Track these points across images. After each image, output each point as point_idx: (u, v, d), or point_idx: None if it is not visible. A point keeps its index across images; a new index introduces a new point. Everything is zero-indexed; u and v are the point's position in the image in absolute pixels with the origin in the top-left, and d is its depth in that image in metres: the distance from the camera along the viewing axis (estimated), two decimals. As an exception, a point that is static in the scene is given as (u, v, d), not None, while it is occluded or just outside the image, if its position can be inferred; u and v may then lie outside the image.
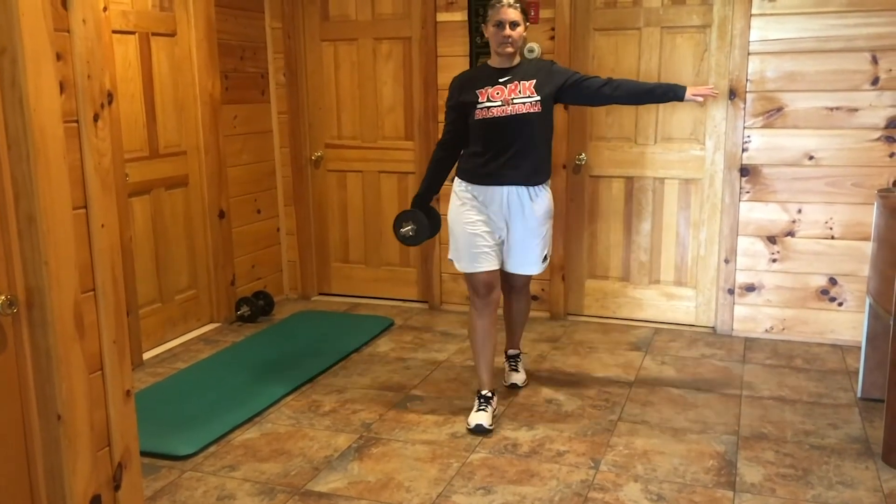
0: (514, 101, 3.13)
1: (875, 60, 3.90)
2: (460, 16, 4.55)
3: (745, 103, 4.13)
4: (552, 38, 4.39)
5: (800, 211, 4.15)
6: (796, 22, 3.99)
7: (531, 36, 4.42)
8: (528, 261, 3.35)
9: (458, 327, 4.55)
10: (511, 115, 3.12)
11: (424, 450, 3.09)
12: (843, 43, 3.93)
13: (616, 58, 4.37)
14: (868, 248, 3.81)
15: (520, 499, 2.72)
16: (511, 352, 3.74)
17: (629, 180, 4.50)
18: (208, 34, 4.37)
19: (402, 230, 3.38)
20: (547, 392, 3.63)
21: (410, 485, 2.82)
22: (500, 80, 3.16)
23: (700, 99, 3.19)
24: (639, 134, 4.44)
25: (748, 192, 4.21)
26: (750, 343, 4.25)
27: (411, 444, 3.14)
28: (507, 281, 3.47)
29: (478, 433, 3.19)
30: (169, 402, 3.52)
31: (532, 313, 4.39)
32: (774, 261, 4.24)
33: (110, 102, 1.96)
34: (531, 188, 3.23)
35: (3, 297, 1.74)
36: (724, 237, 4.30)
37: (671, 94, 3.19)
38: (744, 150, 4.17)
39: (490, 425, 3.21)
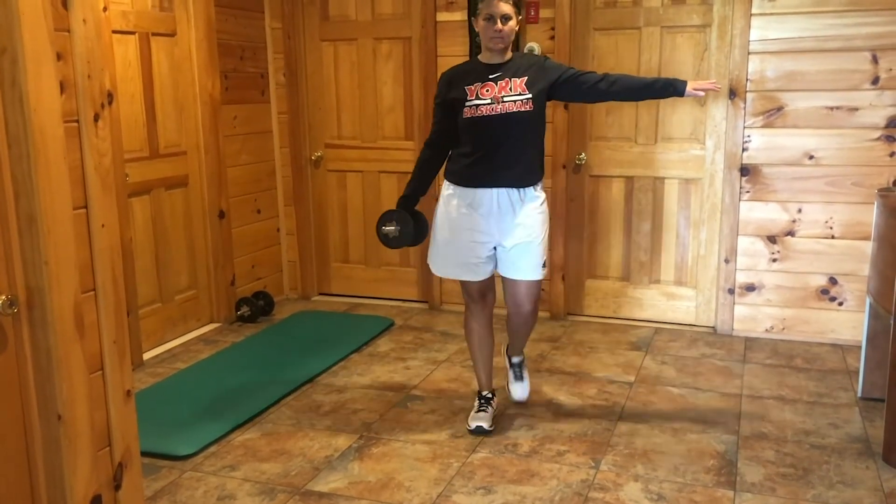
0: (505, 99, 2.95)
1: (875, 60, 3.90)
2: (460, 15, 4.55)
3: (745, 103, 4.13)
4: (552, 37, 4.39)
5: (800, 210, 4.15)
6: (796, 21, 3.99)
7: (531, 36, 4.43)
8: (526, 266, 3.08)
9: (458, 327, 4.54)
10: (501, 113, 2.95)
11: (425, 449, 3.08)
12: (843, 42, 3.93)
13: (616, 57, 4.37)
14: (868, 247, 3.81)
15: (520, 498, 2.72)
16: (515, 359, 3.46)
17: (629, 180, 4.49)
18: (208, 34, 4.37)
19: (385, 229, 3.12)
20: (547, 392, 3.63)
21: (411, 485, 2.82)
22: (491, 77, 2.99)
23: (701, 93, 2.99)
24: (639, 133, 4.44)
25: (748, 192, 4.21)
26: (750, 343, 4.25)
27: (411, 443, 3.14)
28: (509, 292, 3.17)
29: (478, 434, 3.19)
30: (169, 402, 3.52)
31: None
32: (774, 260, 4.24)
33: (110, 102, 1.96)
34: (522, 190, 3.04)
35: (3, 297, 1.74)
36: (724, 237, 4.30)
37: (671, 88, 3.00)
38: (744, 150, 4.17)
39: (490, 426, 3.20)
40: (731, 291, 4.33)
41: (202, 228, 4.53)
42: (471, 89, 2.99)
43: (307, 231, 5.15)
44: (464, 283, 3.20)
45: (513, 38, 2.99)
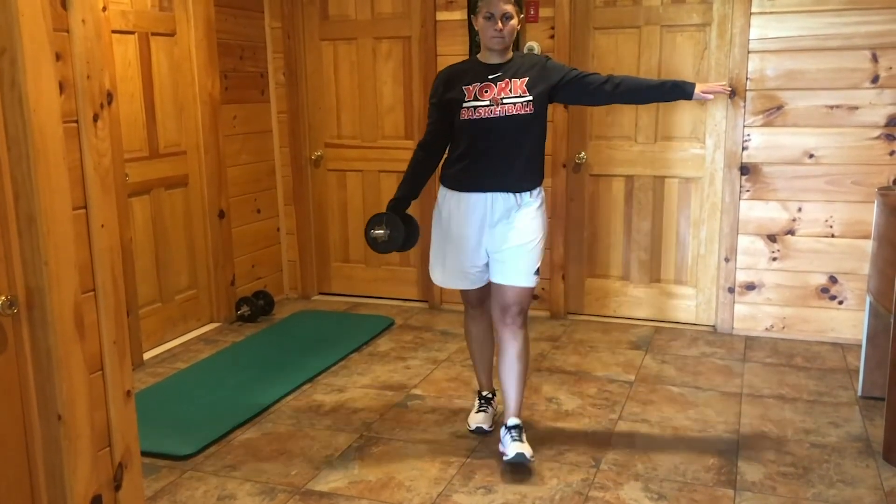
0: (504, 100, 2.81)
1: (875, 58, 3.90)
2: (460, 15, 4.55)
3: (745, 102, 4.13)
4: (552, 36, 4.39)
5: (800, 209, 4.14)
6: (796, 20, 3.99)
7: (531, 35, 4.43)
8: (518, 271, 2.90)
9: (458, 327, 4.54)
10: (500, 116, 2.81)
11: (425, 449, 3.08)
12: (843, 41, 3.93)
13: (616, 57, 4.37)
14: (868, 246, 3.81)
15: (520, 498, 2.72)
16: (511, 421, 2.94)
17: (629, 179, 4.49)
18: (208, 34, 4.37)
19: (374, 233, 2.95)
20: (547, 391, 3.63)
21: (411, 484, 2.82)
22: (490, 77, 2.84)
23: (710, 97, 2.83)
24: (639, 132, 4.44)
25: (748, 191, 4.21)
26: (750, 342, 4.25)
27: (412, 443, 3.14)
28: (497, 297, 2.95)
29: (478, 434, 3.19)
30: (169, 402, 3.52)
31: (532, 312, 4.37)
32: (775, 259, 4.24)
33: (110, 102, 1.96)
34: (518, 195, 2.89)
35: (3, 298, 1.74)
36: (724, 236, 4.30)
37: (679, 91, 2.85)
38: (744, 149, 4.17)
39: (490, 427, 3.20)
40: (732, 290, 4.33)
41: (202, 228, 4.53)
42: (469, 90, 2.85)
43: (307, 230, 5.15)
44: (463, 290, 3.15)
45: (514, 37, 2.85)
